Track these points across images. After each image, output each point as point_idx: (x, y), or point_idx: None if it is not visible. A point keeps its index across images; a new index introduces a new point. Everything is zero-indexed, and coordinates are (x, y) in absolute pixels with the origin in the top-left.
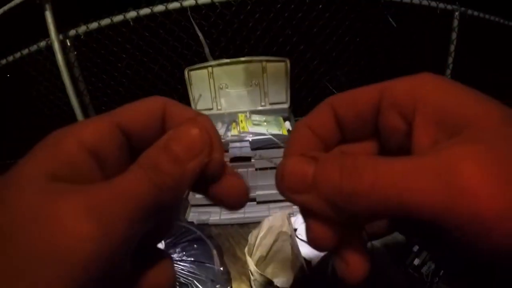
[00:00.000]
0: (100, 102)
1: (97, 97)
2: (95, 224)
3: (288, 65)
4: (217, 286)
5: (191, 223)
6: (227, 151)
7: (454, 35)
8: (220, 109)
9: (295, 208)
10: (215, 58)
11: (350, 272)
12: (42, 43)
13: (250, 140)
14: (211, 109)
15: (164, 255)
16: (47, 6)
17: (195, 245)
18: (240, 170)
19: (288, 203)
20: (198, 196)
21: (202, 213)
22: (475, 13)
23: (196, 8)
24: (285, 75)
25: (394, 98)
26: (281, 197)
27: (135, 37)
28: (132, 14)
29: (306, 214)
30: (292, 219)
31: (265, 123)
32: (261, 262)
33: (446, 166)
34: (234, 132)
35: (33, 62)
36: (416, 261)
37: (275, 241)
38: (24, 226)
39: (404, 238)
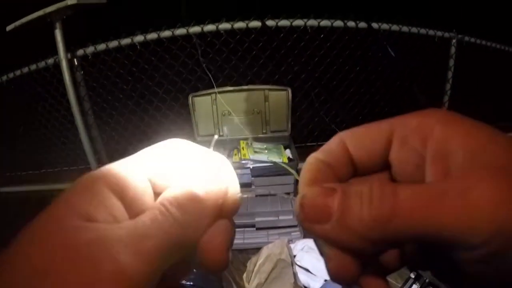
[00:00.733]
0: (104, 122)
1: (101, 117)
2: (132, 256)
3: (290, 94)
4: None
5: None
6: None
7: (451, 62)
8: (222, 136)
9: (294, 235)
10: (218, 85)
11: None
12: (50, 60)
13: (251, 167)
14: (213, 135)
15: None
16: (58, 25)
17: (194, 270)
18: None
19: (287, 230)
20: None
21: None
22: (472, 40)
23: (201, 35)
24: (286, 103)
25: (405, 134)
26: (280, 224)
27: (141, 61)
28: (139, 38)
29: (326, 246)
30: (291, 245)
31: (266, 151)
32: None
33: (465, 189)
34: (235, 159)
35: (40, 78)
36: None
37: (273, 268)
38: (63, 265)
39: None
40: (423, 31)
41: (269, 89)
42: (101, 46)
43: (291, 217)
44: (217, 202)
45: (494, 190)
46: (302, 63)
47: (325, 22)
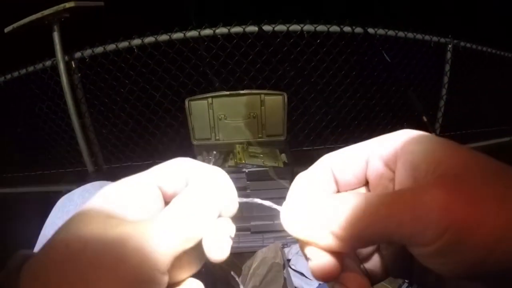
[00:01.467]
0: (101, 125)
1: (98, 119)
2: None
3: (286, 98)
4: None
5: None
6: None
7: (447, 67)
8: (218, 139)
9: (289, 239)
10: (214, 89)
11: None
12: (48, 63)
13: (247, 171)
14: (209, 139)
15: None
16: (55, 27)
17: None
18: None
19: (282, 234)
20: None
21: None
22: (468, 45)
23: (198, 39)
24: (282, 108)
25: (380, 152)
26: (275, 228)
27: (138, 64)
28: (136, 41)
29: (307, 247)
30: (286, 250)
31: (262, 155)
32: None
33: (419, 195)
34: (231, 163)
35: (37, 80)
36: None
37: (268, 271)
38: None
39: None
40: (419, 36)
41: (265, 94)
42: (99, 49)
43: None
44: (218, 205)
45: (443, 195)
46: (298, 68)
47: (321, 27)
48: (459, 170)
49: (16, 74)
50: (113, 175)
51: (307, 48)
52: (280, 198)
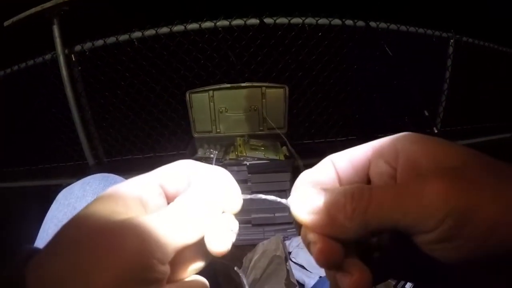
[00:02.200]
0: (102, 118)
1: (99, 112)
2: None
3: (287, 91)
4: None
5: None
6: None
7: (449, 62)
8: (219, 132)
9: (290, 231)
10: (215, 82)
11: (354, 281)
12: (48, 56)
13: (248, 164)
14: (210, 131)
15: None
16: (55, 21)
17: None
18: None
19: (283, 227)
20: None
21: None
22: (470, 40)
23: (199, 32)
24: (283, 101)
25: (382, 151)
26: (276, 220)
27: (139, 57)
28: (137, 34)
29: (312, 233)
30: (287, 242)
31: (263, 148)
32: (255, 284)
33: (422, 185)
34: (232, 156)
35: (37, 74)
36: None
37: (269, 264)
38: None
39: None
40: (421, 30)
41: (267, 87)
42: (99, 42)
43: (287, 214)
44: (219, 203)
45: (444, 184)
46: (300, 61)
47: (323, 21)
48: (457, 164)
49: (16, 68)
50: (114, 168)
51: (308, 41)
52: (281, 191)
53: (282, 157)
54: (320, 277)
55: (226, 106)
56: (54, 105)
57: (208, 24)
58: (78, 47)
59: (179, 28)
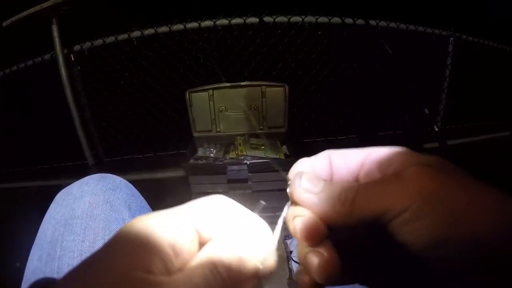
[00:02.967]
0: (101, 118)
1: (98, 112)
2: None
3: (287, 90)
4: None
5: None
6: (225, 173)
7: (449, 60)
8: (219, 131)
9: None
10: (215, 81)
11: (324, 261)
12: (47, 56)
13: (248, 163)
14: (210, 131)
15: None
16: (54, 20)
17: None
18: (237, 192)
19: (284, 226)
20: None
21: None
22: (470, 38)
23: (198, 30)
24: (283, 100)
25: (376, 158)
26: (277, 219)
27: (138, 56)
28: (136, 33)
29: (303, 209)
30: (288, 241)
31: (263, 147)
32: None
33: (397, 177)
34: (232, 155)
35: (36, 74)
36: None
37: None
38: None
39: None
40: (421, 28)
41: (266, 85)
42: (98, 42)
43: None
44: (257, 267)
45: (418, 169)
46: (300, 59)
47: (322, 19)
48: (429, 164)
49: (15, 68)
50: (114, 168)
51: (308, 40)
52: (281, 190)
53: (282, 156)
54: None
55: (226, 105)
56: (54, 105)
57: (207, 23)
58: (77, 47)
59: (178, 27)
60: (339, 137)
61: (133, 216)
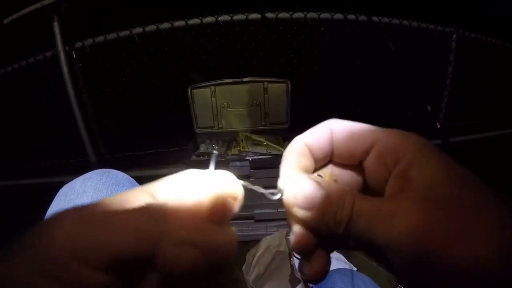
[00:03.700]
0: (103, 115)
1: (100, 109)
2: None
3: (289, 86)
4: None
5: None
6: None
7: (452, 57)
8: (221, 128)
9: None
10: (217, 77)
11: (313, 272)
12: (48, 53)
13: (250, 159)
14: (212, 127)
15: None
16: (55, 17)
17: None
18: None
19: (285, 222)
20: None
21: None
22: (473, 35)
23: (200, 27)
24: (285, 96)
25: (383, 150)
26: (278, 216)
27: (139, 53)
28: (138, 30)
29: (297, 224)
30: (290, 238)
31: (265, 143)
32: (258, 280)
33: (394, 212)
34: (234, 151)
35: (38, 71)
36: None
37: (272, 259)
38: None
39: None
40: (423, 25)
41: (269, 82)
42: (100, 39)
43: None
44: (203, 200)
45: (414, 219)
46: (302, 55)
47: (325, 15)
48: (444, 193)
49: (16, 65)
50: (116, 165)
51: (310, 36)
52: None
53: None
54: None
55: (228, 101)
56: (55, 102)
57: (209, 19)
58: (78, 44)
59: (180, 23)
60: None
61: None
